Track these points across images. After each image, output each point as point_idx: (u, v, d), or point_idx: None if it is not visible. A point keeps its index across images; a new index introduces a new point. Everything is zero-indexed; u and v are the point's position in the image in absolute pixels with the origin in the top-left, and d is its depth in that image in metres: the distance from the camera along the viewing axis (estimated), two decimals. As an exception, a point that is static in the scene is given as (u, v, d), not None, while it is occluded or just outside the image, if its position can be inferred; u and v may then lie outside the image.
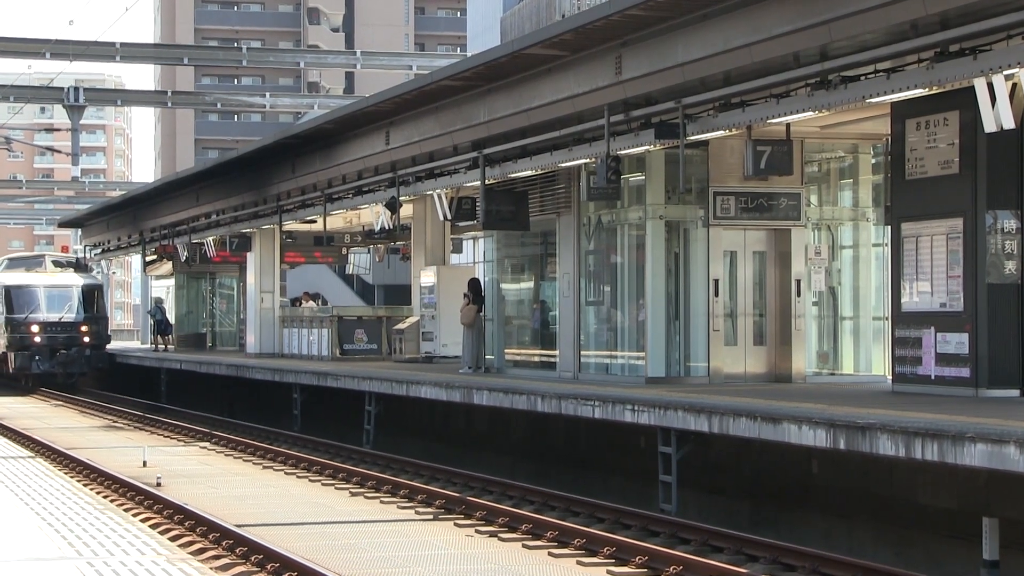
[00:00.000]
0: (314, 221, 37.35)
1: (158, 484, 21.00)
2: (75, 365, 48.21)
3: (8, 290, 48.54)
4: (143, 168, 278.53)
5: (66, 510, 15.53)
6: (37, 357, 47.71)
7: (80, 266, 52.48)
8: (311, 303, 46.51)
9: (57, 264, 51.27)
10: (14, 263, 52.03)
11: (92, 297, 49.46)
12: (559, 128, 23.41)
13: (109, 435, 31.77)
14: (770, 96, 18.98)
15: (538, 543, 16.02)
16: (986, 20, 15.27)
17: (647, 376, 22.92)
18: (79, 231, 66.11)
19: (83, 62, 44.97)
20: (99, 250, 60.55)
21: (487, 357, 28.57)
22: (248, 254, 42.78)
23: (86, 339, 48.42)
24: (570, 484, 22.13)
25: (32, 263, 51.44)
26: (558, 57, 22.08)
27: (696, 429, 17.85)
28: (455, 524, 17.61)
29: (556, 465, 23.80)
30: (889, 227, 20.35)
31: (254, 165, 38.14)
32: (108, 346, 51.32)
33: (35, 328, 47.87)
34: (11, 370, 48.56)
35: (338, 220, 39.84)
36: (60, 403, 43.19)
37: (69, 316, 48.42)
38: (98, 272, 60.85)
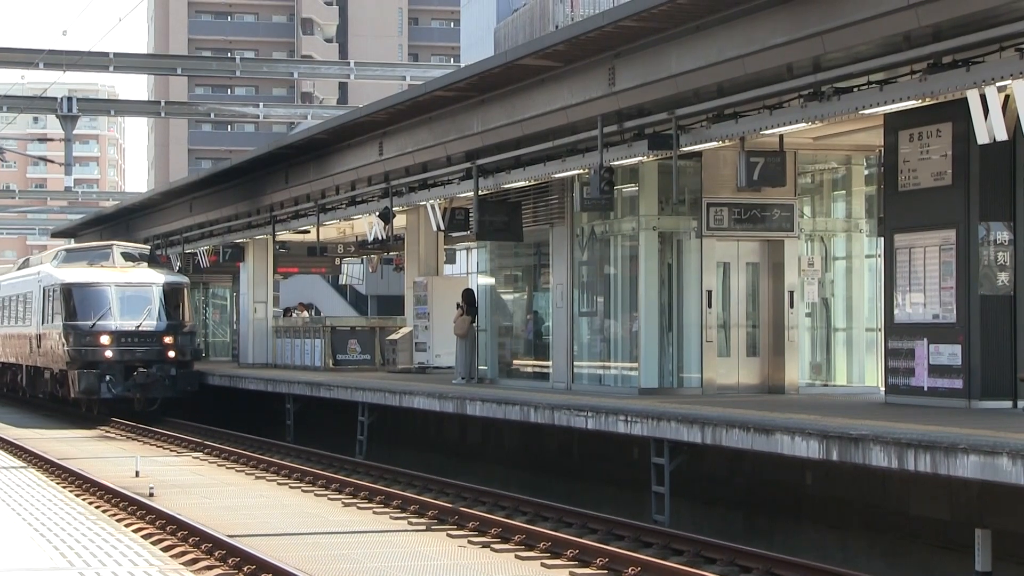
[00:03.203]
0: (307, 231, 37.37)
1: (150, 494, 20.95)
2: (157, 388, 36.61)
3: (69, 290, 37.03)
4: (136, 178, 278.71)
5: (58, 520, 15.48)
6: (108, 377, 36.10)
7: (155, 259, 40.35)
8: (305, 313, 46.51)
9: (128, 257, 39.22)
10: (73, 255, 40.06)
11: (177, 299, 37.84)
12: (552, 139, 23.43)
13: (101, 445, 31.70)
14: (763, 107, 19.01)
15: (531, 554, 16.01)
16: (979, 32, 15.30)
17: (640, 387, 22.91)
18: (72, 241, 66.05)
19: (77, 72, 44.55)
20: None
21: (480, 368, 28.56)
22: (241, 264, 42.72)
23: (171, 354, 36.68)
24: (563, 495, 22.11)
25: (97, 255, 39.28)
26: (551, 68, 22.10)
27: (689, 440, 17.84)
28: (448, 535, 17.60)
29: (549, 476, 23.77)
30: (882, 238, 20.37)
31: (247, 175, 38.14)
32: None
33: (105, 339, 36.27)
34: (73, 394, 37.05)
35: (331, 231, 39.88)
36: (49, 412, 42.34)
37: (149, 324, 36.72)
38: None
